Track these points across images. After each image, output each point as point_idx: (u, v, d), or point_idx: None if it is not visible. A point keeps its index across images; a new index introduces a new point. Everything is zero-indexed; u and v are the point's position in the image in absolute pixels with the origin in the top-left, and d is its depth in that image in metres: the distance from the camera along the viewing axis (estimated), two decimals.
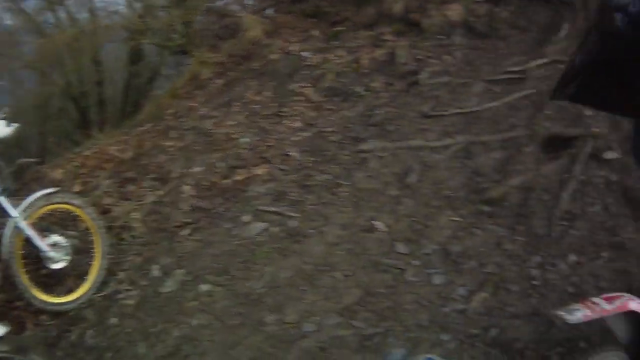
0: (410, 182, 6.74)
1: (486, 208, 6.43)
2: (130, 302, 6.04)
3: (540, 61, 8.25)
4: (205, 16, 11.83)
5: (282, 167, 7.19)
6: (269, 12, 11.64)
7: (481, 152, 7.00)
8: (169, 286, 6.08)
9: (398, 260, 6.00)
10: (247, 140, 7.77)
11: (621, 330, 4.51)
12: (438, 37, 9.06)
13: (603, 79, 1.62)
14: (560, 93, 1.97)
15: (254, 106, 8.48)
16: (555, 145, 7.07)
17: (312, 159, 7.20)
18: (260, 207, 6.69)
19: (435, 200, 6.58)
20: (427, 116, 7.57)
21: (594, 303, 4.05)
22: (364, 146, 7.19)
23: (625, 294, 4.23)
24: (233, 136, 7.91)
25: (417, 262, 5.97)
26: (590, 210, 6.29)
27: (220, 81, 9.59)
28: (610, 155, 6.81)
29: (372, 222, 6.39)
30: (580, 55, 1.78)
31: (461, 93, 7.90)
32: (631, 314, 4.36)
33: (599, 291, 5.41)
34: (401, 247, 6.13)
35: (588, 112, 7.15)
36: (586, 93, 1.78)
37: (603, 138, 6.88)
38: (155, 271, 6.30)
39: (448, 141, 7.17)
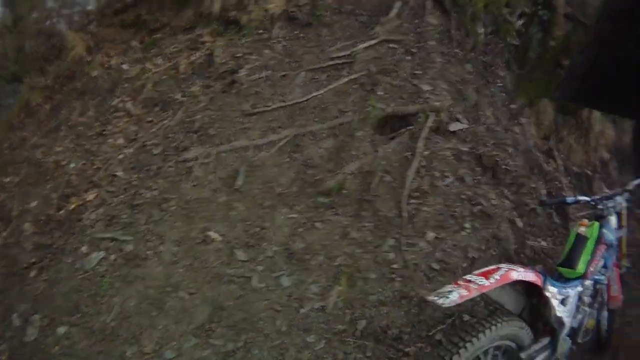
0: (239, 185, 6.45)
1: (324, 200, 6.19)
2: (3, 357, 5.57)
3: (368, 43, 8.18)
4: (35, 39, 11.22)
5: (110, 189, 6.82)
6: (93, 26, 11.18)
7: (310, 144, 6.79)
8: (31, 334, 5.55)
9: (241, 269, 5.69)
10: (75, 165, 7.39)
11: (511, 301, 4.32)
12: (258, 32, 8.89)
13: (606, 79, 1.50)
14: (562, 92, 1.87)
15: (79, 128, 8.09)
16: (392, 125, 6.96)
17: (137, 175, 6.88)
18: (96, 235, 6.24)
19: (268, 199, 6.30)
20: (248, 114, 7.33)
21: (468, 281, 3.80)
22: (187, 155, 6.85)
23: (501, 265, 4.01)
24: (62, 163, 7.50)
25: (260, 267, 5.67)
26: (442, 185, 6.15)
27: (47, 106, 9.19)
28: (456, 126, 6.77)
29: (207, 233, 6.05)
30: (582, 55, 1.68)
31: (283, 86, 7.74)
32: (516, 283, 4.16)
33: (470, 262, 5.43)
34: (241, 254, 5.82)
35: (426, 86, 7.15)
36: (588, 93, 1.61)
37: (447, 111, 6.81)
38: (16, 320, 5.80)
39: (273, 137, 6.92)
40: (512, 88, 7.91)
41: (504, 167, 6.45)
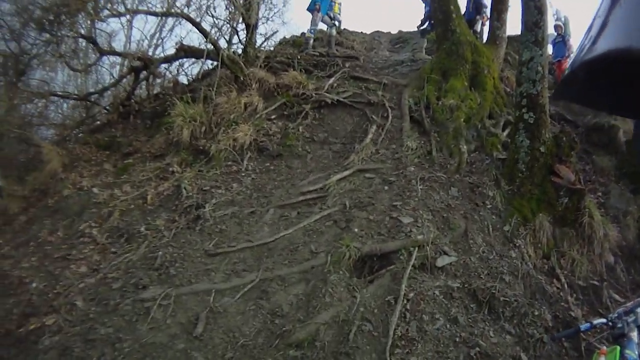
0: (199, 333, 5.32)
1: (294, 353, 5.01)
2: None
3: (342, 174, 7.61)
4: (14, 145, 10.68)
5: (68, 317, 5.96)
6: (70, 141, 11.00)
7: (278, 289, 5.77)
8: None
9: None
10: (37, 285, 6.66)
11: None
12: (227, 163, 8.39)
13: (606, 78, 1.18)
14: (562, 93, 1.29)
15: (46, 247, 7.39)
16: (370, 265, 6.04)
17: (95, 309, 5.98)
18: None
19: (230, 351, 5.16)
20: (212, 254, 6.43)
21: None
22: (145, 294, 5.90)
23: None
24: (26, 280, 6.81)
25: None
26: (432, 329, 5.12)
27: (23, 217, 8.48)
28: (444, 261, 5.89)
29: None
30: (583, 53, 1.22)
31: (250, 224, 7.02)
32: None
33: None
34: None
35: (407, 219, 6.41)
36: (588, 93, 1.28)
37: (432, 244, 5.95)
38: None
39: (237, 281, 5.93)
40: (503, 208, 7.06)
41: (502, 298, 5.56)
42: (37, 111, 12.95)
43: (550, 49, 15.21)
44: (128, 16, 11.89)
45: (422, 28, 14.93)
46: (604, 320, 4.41)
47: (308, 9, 13.74)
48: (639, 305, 4.38)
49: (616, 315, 4.38)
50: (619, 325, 4.25)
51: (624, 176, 9.01)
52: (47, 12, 11.26)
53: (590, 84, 1.23)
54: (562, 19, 15.43)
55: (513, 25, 15.23)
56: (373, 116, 9.28)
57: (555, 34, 15.10)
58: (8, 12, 11.21)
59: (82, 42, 12.45)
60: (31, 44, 12.24)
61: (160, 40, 14.44)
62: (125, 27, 14.04)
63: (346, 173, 7.60)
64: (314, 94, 9.94)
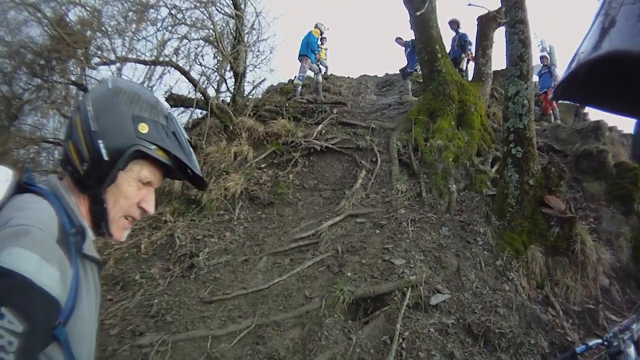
0: None
1: None
2: None
3: (333, 220, 7.71)
4: None
5: None
6: None
7: (274, 334, 5.77)
8: None
9: None
10: None
11: None
12: (219, 212, 8.52)
13: (608, 77, 1.06)
14: (563, 92, 1.13)
15: None
16: (365, 307, 6.06)
17: (95, 354, 5.65)
18: None
19: None
20: (207, 302, 6.47)
21: None
22: (142, 340, 5.88)
23: None
24: None
25: None
26: None
27: None
28: (437, 299, 5.91)
29: None
30: (584, 51, 1.08)
31: (244, 272, 7.07)
32: None
33: None
34: None
35: (399, 260, 6.46)
36: (589, 92, 1.13)
37: (425, 284, 6.01)
38: None
39: (233, 327, 5.93)
40: (494, 243, 7.11)
41: (497, 331, 5.59)
42: (30, 157, 13.11)
43: (536, 80, 15.39)
44: (118, 64, 11.92)
45: (403, 70, 15.07)
46: (599, 340, 4.23)
47: (300, 54, 13.86)
48: (633, 322, 4.27)
49: (611, 334, 4.25)
50: (615, 343, 4.13)
51: (614, 199, 9.13)
52: (38, 57, 11.38)
53: (591, 82, 1.14)
54: (548, 49, 15.58)
55: (498, 59, 15.31)
56: (362, 161, 9.44)
57: (541, 65, 15.23)
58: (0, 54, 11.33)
59: (73, 89, 12.50)
60: (23, 88, 12.36)
61: (150, 89, 14.62)
62: (115, 74, 14.20)
63: (337, 219, 7.69)
64: (302, 142, 10.13)
